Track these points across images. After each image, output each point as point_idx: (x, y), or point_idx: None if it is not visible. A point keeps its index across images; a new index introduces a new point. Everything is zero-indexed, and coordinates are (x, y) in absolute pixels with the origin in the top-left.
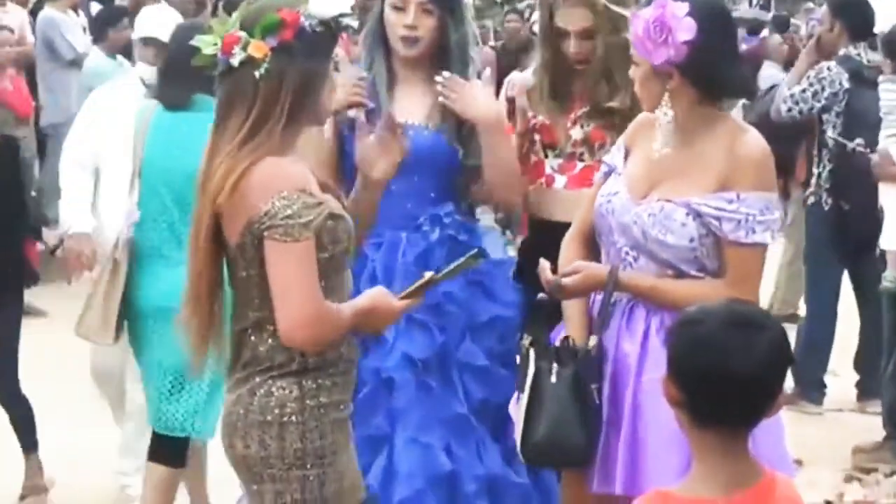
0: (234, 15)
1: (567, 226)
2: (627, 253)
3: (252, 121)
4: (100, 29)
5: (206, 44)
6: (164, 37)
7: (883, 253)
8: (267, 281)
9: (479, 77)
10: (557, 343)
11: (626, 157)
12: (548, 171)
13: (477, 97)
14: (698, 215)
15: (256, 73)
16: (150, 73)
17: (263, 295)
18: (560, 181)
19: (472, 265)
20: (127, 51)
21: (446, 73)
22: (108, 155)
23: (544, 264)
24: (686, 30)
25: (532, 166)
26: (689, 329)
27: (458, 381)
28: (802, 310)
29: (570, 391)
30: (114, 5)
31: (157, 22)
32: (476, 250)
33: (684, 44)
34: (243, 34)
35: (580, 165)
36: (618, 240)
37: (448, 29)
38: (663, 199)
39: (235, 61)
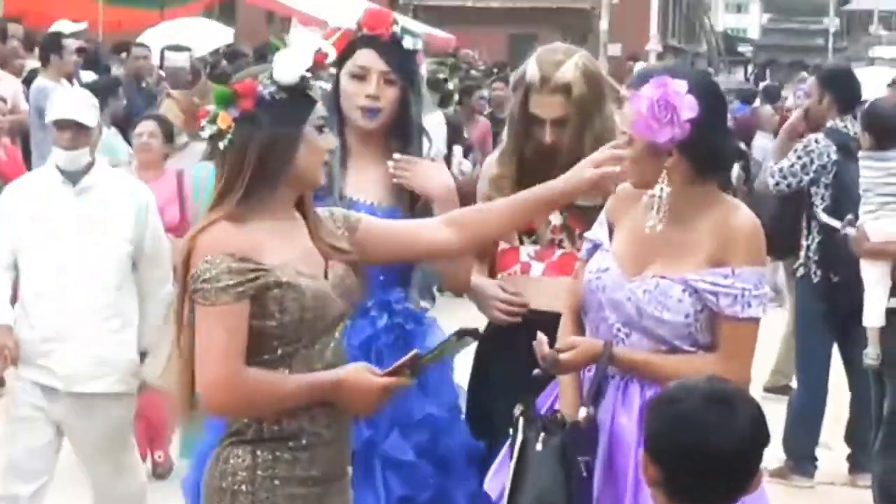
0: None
1: (546, 315)
2: (619, 329)
3: (219, 190)
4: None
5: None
6: (83, 118)
7: None
8: None
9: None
10: (545, 413)
11: (610, 231)
12: (523, 258)
13: (430, 172)
14: (695, 291)
15: (220, 144)
16: (65, 158)
17: None
18: (537, 268)
19: (460, 347)
20: (126, 120)
21: (397, 155)
22: (28, 246)
23: (541, 338)
24: (689, 108)
25: (504, 254)
26: (668, 407)
27: (380, 476)
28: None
29: (556, 460)
30: (109, 76)
31: (73, 104)
32: (460, 330)
33: (688, 122)
34: (213, 107)
35: (559, 252)
36: (609, 316)
37: (409, 100)
38: (658, 275)
39: (205, 134)
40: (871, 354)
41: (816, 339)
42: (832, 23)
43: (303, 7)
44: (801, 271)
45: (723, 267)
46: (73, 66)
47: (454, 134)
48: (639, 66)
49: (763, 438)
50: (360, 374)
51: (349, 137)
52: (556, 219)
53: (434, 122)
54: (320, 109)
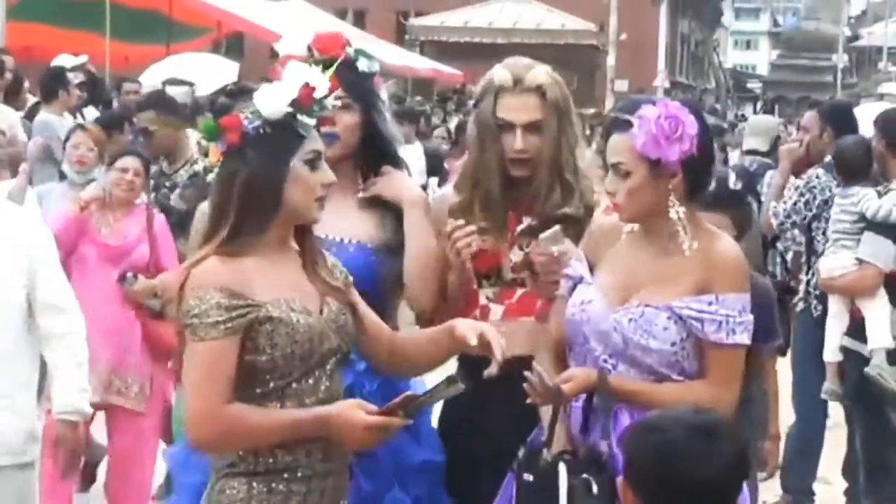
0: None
1: (506, 361)
2: (606, 361)
3: (210, 223)
4: None
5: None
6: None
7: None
8: None
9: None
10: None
11: (590, 268)
12: (482, 301)
13: (401, 181)
14: (680, 318)
15: (208, 178)
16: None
17: None
18: (496, 312)
19: (451, 392)
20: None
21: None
22: None
23: (538, 369)
24: (692, 124)
25: (469, 300)
26: (651, 436)
27: None
28: None
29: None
30: (113, 110)
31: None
32: (450, 376)
33: (694, 136)
34: (204, 141)
35: (519, 293)
36: (595, 348)
37: (374, 123)
38: (643, 304)
39: (199, 167)
40: (827, 390)
41: (814, 374)
42: (841, 59)
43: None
44: (800, 306)
45: (707, 294)
46: (76, 100)
47: (434, 166)
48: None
49: (744, 470)
50: (351, 411)
51: None
52: (516, 256)
53: (412, 154)
54: (311, 143)
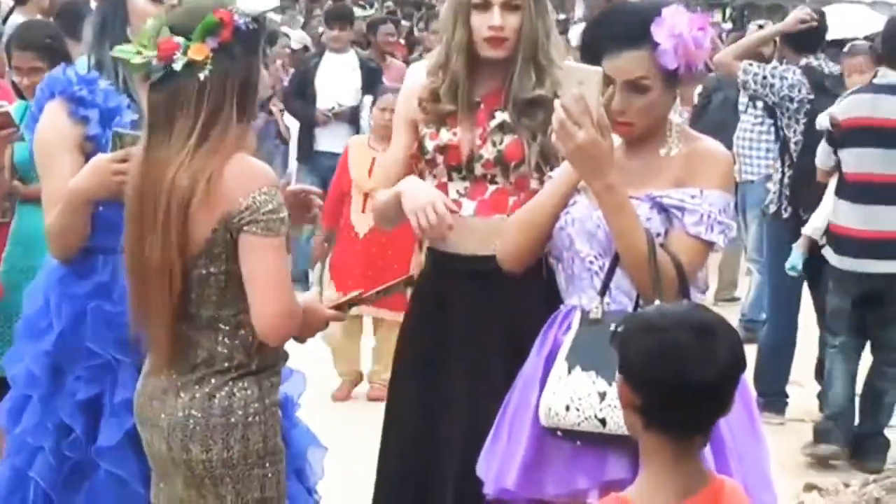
0: (154, 22)
1: (478, 260)
2: (592, 262)
3: (203, 122)
4: None
5: (130, 53)
6: None
7: None
8: (230, 278)
9: None
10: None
11: None
12: (453, 195)
13: None
14: (662, 209)
15: (201, 75)
16: None
17: (221, 293)
18: (468, 207)
19: (401, 290)
20: None
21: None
22: None
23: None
24: (708, 32)
25: None
26: (651, 336)
27: None
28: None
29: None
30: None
31: None
32: (407, 276)
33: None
34: (180, 39)
35: (491, 189)
36: (581, 249)
37: None
38: None
39: (178, 66)
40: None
41: (787, 277)
42: None
43: None
44: (771, 208)
45: (691, 187)
46: (48, 2)
47: (371, 80)
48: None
49: (742, 366)
50: (316, 304)
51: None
52: (488, 151)
53: (344, 65)
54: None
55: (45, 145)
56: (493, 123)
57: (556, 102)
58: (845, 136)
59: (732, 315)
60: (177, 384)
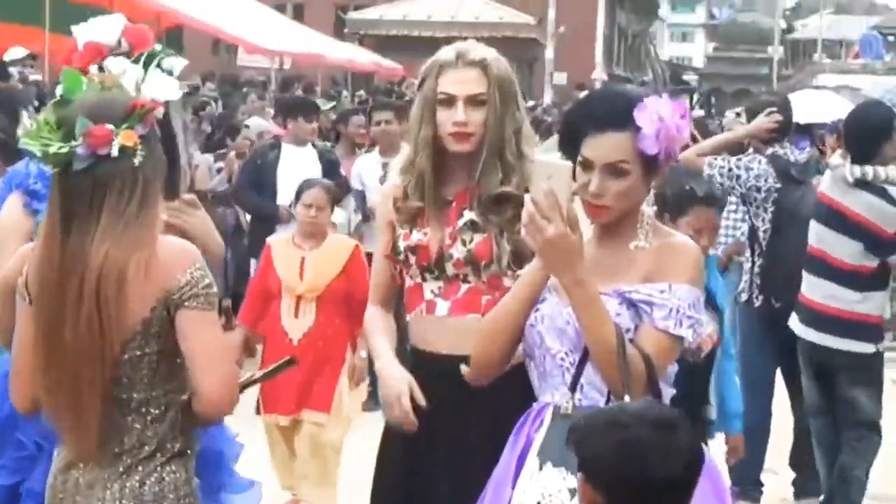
0: (54, 113)
1: (454, 359)
2: (563, 359)
3: (138, 205)
4: None
5: (39, 145)
6: None
7: None
8: (161, 358)
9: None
10: None
11: None
12: (427, 296)
13: (204, 223)
14: (631, 304)
15: (135, 161)
16: None
17: (153, 374)
18: (442, 307)
19: (286, 370)
20: None
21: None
22: None
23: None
24: (689, 120)
25: (410, 291)
26: (613, 433)
27: None
28: None
29: None
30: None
31: None
32: (289, 357)
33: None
34: (111, 126)
35: (464, 288)
36: (552, 346)
37: (169, 125)
38: None
39: (115, 152)
40: None
41: (760, 365)
42: (776, 52)
43: (248, 36)
44: (743, 297)
45: (660, 283)
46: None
47: (330, 173)
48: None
49: (701, 461)
50: None
51: None
52: (458, 251)
53: (304, 158)
54: None
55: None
56: (462, 222)
57: (526, 197)
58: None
59: None
60: (104, 476)
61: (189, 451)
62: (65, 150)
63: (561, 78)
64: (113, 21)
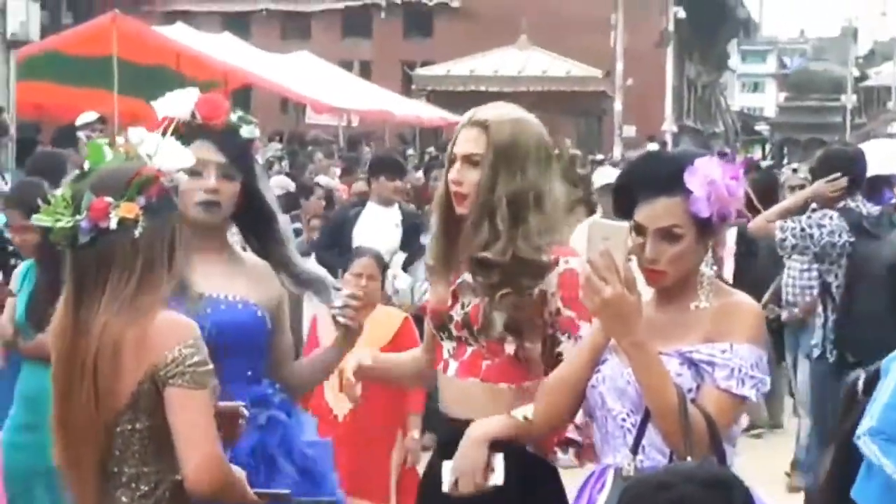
0: (68, 188)
1: (458, 422)
2: (625, 420)
3: (138, 278)
4: None
5: (49, 220)
6: None
7: None
8: (153, 434)
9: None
10: None
11: None
12: (444, 355)
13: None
14: (692, 364)
15: (136, 233)
16: None
17: (144, 450)
18: (452, 368)
19: None
20: None
21: (343, 298)
22: None
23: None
24: (741, 181)
25: (437, 348)
26: (663, 494)
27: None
28: None
29: None
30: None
31: None
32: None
33: (744, 192)
34: (109, 199)
35: (469, 350)
36: (613, 407)
37: (254, 191)
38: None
39: (113, 224)
40: None
41: (832, 422)
42: (850, 100)
43: (315, 94)
44: (815, 352)
45: (721, 343)
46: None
47: (409, 238)
48: (653, 146)
49: None
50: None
51: (187, 234)
52: (457, 314)
53: (388, 220)
54: None
55: None
56: (458, 282)
57: (583, 258)
58: None
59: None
60: None
61: None
62: (70, 224)
63: (630, 131)
64: (187, 94)
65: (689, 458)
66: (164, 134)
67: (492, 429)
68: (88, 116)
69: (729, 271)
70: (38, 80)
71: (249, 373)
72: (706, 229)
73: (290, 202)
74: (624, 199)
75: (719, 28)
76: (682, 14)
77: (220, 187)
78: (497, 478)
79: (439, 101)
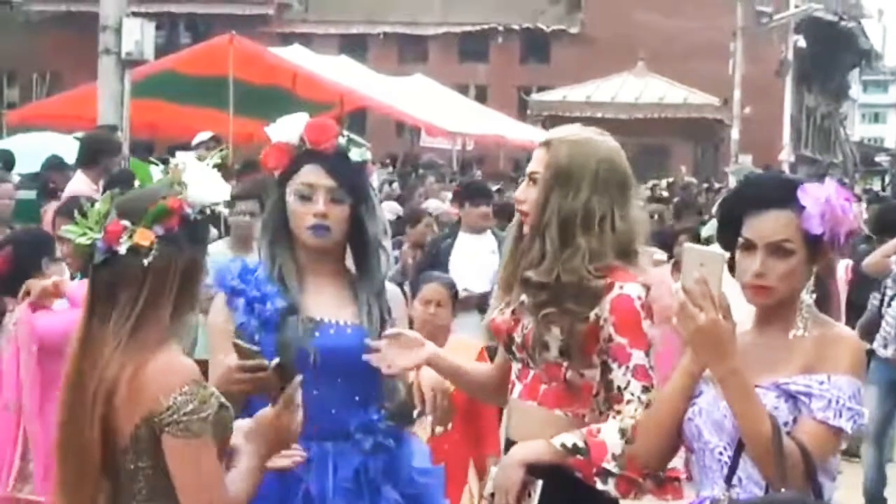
0: (101, 205)
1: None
2: (722, 453)
3: (140, 309)
4: None
5: (76, 233)
6: None
7: None
8: (157, 474)
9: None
10: None
11: None
12: (513, 376)
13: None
14: (789, 396)
15: (145, 261)
16: None
17: (151, 488)
18: (517, 390)
19: None
20: None
21: (372, 353)
22: None
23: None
24: (855, 202)
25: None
26: None
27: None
28: None
29: None
30: None
31: None
32: None
33: (857, 216)
34: (126, 223)
35: (531, 373)
36: (710, 440)
37: (361, 217)
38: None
39: (123, 249)
40: None
41: None
42: None
43: (430, 118)
44: None
45: (818, 374)
46: None
47: None
48: (733, 168)
49: None
50: (263, 416)
51: (301, 258)
52: (518, 336)
53: (483, 248)
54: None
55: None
56: (518, 304)
57: (678, 285)
58: None
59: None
60: None
61: None
62: (88, 242)
63: (746, 159)
64: (296, 119)
65: (783, 490)
66: (213, 164)
67: (531, 452)
68: (203, 136)
69: (840, 303)
70: (152, 98)
71: (357, 398)
72: (816, 249)
73: (396, 228)
74: (730, 218)
75: (840, 57)
76: (802, 43)
77: (329, 211)
78: (533, 502)
79: (555, 127)
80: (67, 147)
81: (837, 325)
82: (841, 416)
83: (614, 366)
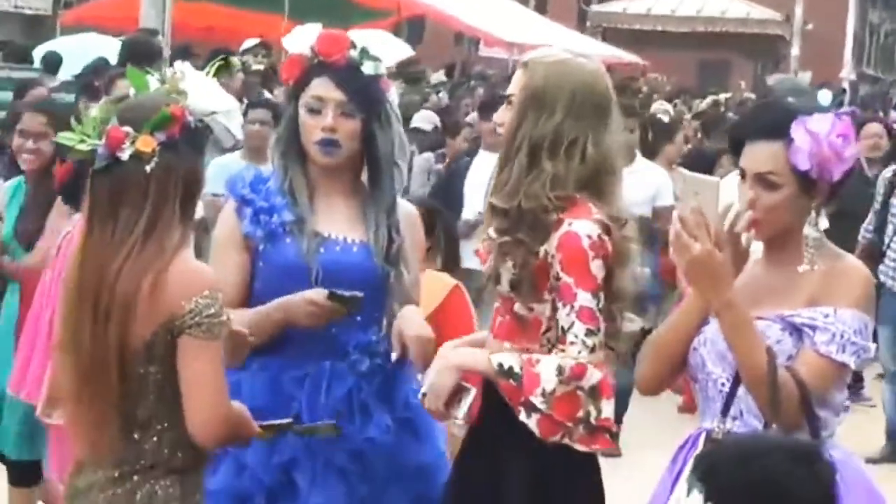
0: (100, 110)
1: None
2: (724, 384)
3: (148, 216)
4: None
5: (74, 140)
6: None
7: None
8: (168, 379)
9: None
10: None
11: None
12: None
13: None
14: (794, 329)
15: (147, 168)
16: None
17: (159, 393)
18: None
19: (330, 434)
20: None
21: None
22: None
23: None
24: (853, 143)
25: None
26: (753, 463)
27: None
28: None
29: None
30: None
31: None
32: (334, 424)
33: (856, 156)
34: (129, 129)
35: (495, 305)
36: (713, 370)
37: (373, 132)
38: (754, 317)
39: (125, 155)
40: None
41: None
42: None
43: (487, 27)
44: None
45: (825, 306)
46: (241, 85)
47: None
48: (824, 94)
49: (835, 495)
50: (247, 415)
51: (313, 172)
52: (487, 267)
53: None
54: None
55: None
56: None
57: (674, 213)
58: None
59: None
60: (101, 480)
61: (191, 469)
62: (87, 148)
63: (806, 77)
64: (309, 30)
65: (775, 424)
66: (210, 72)
67: (468, 360)
68: (250, 42)
69: None
70: (203, 0)
71: (359, 317)
72: (807, 185)
73: (436, 140)
74: (734, 145)
75: None
76: None
77: (338, 125)
78: (461, 411)
79: (614, 39)
80: (112, 49)
81: (847, 257)
82: (844, 350)
83: (559, 305)
